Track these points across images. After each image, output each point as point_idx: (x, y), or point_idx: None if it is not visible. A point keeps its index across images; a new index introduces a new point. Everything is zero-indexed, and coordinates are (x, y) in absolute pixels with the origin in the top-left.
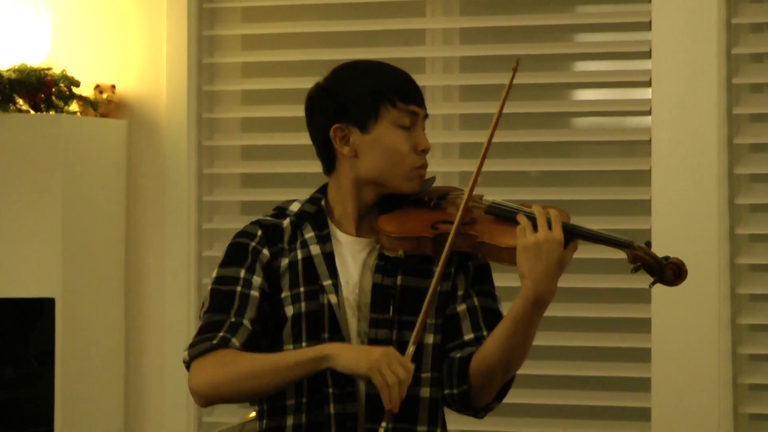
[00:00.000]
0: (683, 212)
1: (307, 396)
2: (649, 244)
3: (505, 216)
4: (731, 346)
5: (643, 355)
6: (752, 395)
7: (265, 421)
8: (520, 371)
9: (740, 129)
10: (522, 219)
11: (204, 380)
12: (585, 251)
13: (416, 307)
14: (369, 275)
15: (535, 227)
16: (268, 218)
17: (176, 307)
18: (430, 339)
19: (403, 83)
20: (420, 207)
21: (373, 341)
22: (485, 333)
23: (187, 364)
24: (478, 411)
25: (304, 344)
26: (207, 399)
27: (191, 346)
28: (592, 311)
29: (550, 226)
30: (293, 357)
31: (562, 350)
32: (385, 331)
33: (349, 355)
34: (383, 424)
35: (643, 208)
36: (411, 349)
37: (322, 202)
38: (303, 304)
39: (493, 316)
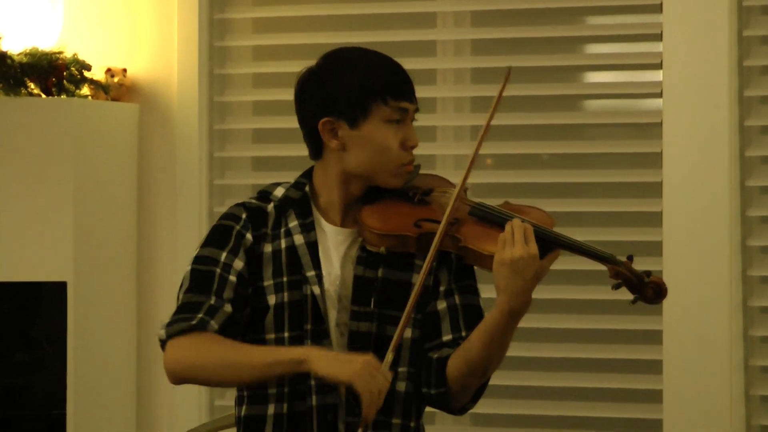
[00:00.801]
0: (694, 194)
1: (289, 386)
2: (631, 258)
3: (488, 219)
4: (743, 328)
5: (655, 338)
6: (764, 377)
7: (244, 407)
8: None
9: (751, 111)
10: (500, 236)
11: (180, 360)
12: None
13: (398, 300)
14: (351, 267)
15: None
16: (253, 201)
17: None
18: (408, 333)
19: (395, 79)
20: (404, 201)
21: (353, 334)
22: (464, 334)
23: (163, 342)
24: (454, 411)
25: (286, 334)
26: (180, 379)
27: (169, 324)
28: (605, 294)
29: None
30: (273, 355)
31: (578, 333)
32: (366, 324)
33: (330, 361)
34: (359, 430)
35: (655, 190)
36: (390, 356)
37: (307, 188)
38: (286, 294)
39: (473, 314)
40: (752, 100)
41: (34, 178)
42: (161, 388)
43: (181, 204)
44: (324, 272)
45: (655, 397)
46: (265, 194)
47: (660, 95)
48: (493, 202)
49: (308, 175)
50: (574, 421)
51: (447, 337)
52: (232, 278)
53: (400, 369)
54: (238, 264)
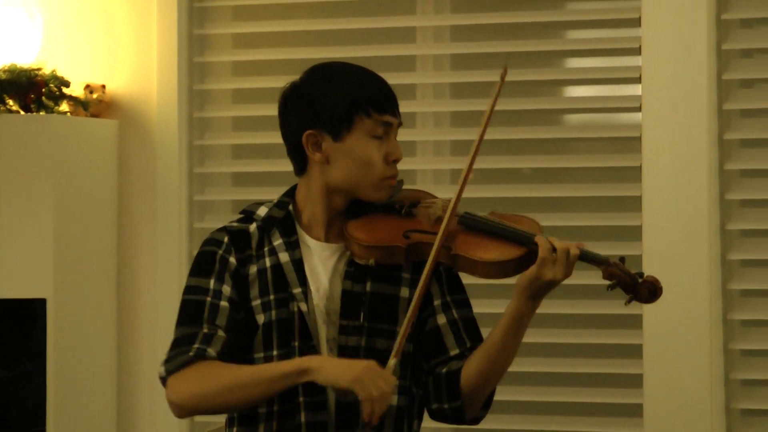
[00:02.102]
0: (674, 208)
1: (278, 404)
2: (623, 259)
3: (478, 228)
4: (723, 341)
5: (635, 352)
6: (744, 390)
7: (235, 429)
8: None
9: (731, 125)
10: (545, 252)
11: (185, 393)
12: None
13: (386, 313)
14: (338, 281)
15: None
16: (234, 224)
17: (168, 307)
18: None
19: (379, 93)
20: (390, 214)
21: (342, 348)
22: (469, 345)
23: (164, 380)
24: (468, 422)
25: (274, 353)
26: (187, 411)
27: (167, 361)
28: (586, 308)
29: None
30: (275, 370)
31: (556, 347)
32: (354, 338)
33: (332, 368)
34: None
35: (635, 204)
36: (393, 361)
37: (290, 207)
38: (273, 312)
39: (472, 326)
40: (731, 114)
41: (14, 195)
42: (142, 404)
43: (161, 219)
44: (312, 288)
45: (636, 411)
46: (248, 214)
47: (639, 109)
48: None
49: (291, 193)
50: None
51: (454, 352)
52: (224, 304)
53: None
54: (226, 289)
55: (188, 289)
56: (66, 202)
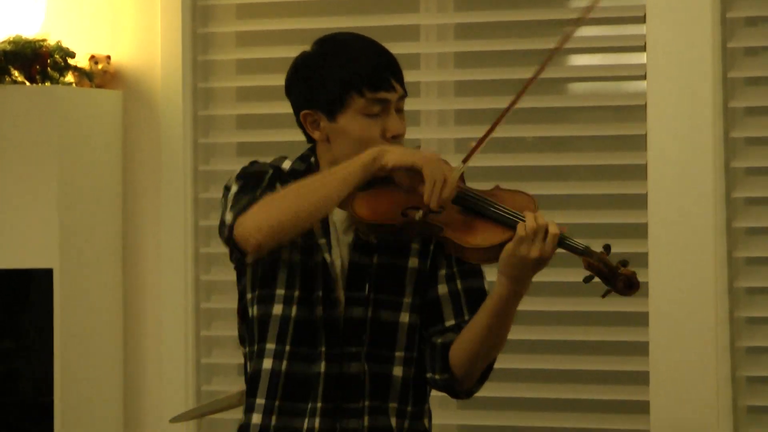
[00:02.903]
0: (679, 176)
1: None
2: (608, 248)
3: (471, 209)
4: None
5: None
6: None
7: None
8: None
9: (735, 93)
10: (521, 230)
11: (257, 222)
12: None
13: (392, 285)
14: (347, 251)
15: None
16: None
17: (173, 276)
18: (406, 318)
19: (373, 70)
20: (393, 189)
21: (348, 320)
22: (467, 318)
23: (231, 228)
24: (459, 395)
25: (296, 293)
26: (264, 239)
27: (231, 209)
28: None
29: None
30: (344, 169)
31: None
32: (360, 309)
33: (400, 150)
34: (419, 212)
35: (640, 172)
36: (462, 166)
37: (312, 159)
38: (298, 255)
39: (477, 297)
40: (736, 82)
41: (19, 166)
42: (148, 374)
43: (166, 190)
44: (333, 242)
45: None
46: (277, 163)
47: (644, 77)
48: (480, 185)
49: (313, 149)
50: (564, 403)
51: (450, 323)
52: None
53: (397, 354)
54: None
55: (240, 189)
56: (71, 173)
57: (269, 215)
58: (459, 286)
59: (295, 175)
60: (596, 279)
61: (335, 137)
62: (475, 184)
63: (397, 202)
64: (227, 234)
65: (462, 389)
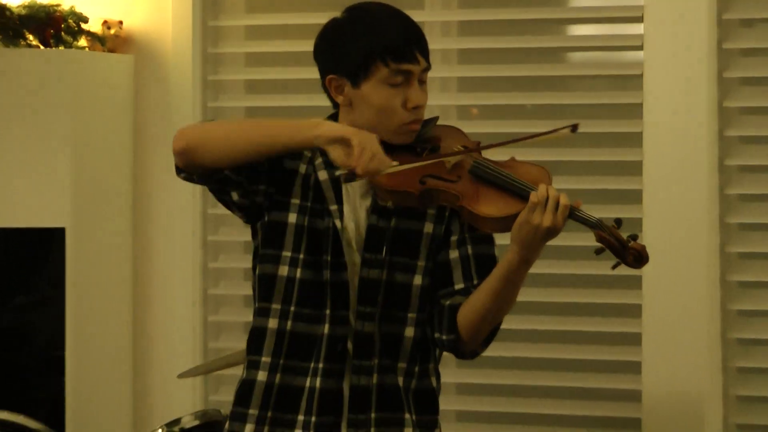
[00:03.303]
0: (674, 144)
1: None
2: (619, 222)
3: (487, 179)
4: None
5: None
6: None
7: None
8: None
9: (730, 63)
10: (533, 199)
11: (190, 133)
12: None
13: (408, 248)
14: (365, 215)
15: (543, 208)
16: None
17: (182, 235)
18: (419, 281)
19: (399, 41)
20: (413, 156)
21: (364, 281)
22: (476, 282)
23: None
24: (465, 356)
25: (301, 255)
26: (188, 149)
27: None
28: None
29: (556, 210)
30: (285, 122)
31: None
32: (376, 271)
33: (337, 125)
34: (344, 172)
35: (636, 140)
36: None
37: None
38: (307, 219)
39: (486, 263)
40: (731, 53)
41: (33, 127)
42: (157, 330)
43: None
44: (346, 209)
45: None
46: None
47: (641, 48)
48: (488, 152)
49: (335, 116)
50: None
51: (459, 286)
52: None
53: (410, 315)
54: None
55: None
56: (83, 134)
57: (204, 130)
58: (470, 251)
59: None
60: (606, 251)
61: (358, 103)
62: (489, 154)
63: (416, 170)
64: (173, 146)
65: (467, 350)
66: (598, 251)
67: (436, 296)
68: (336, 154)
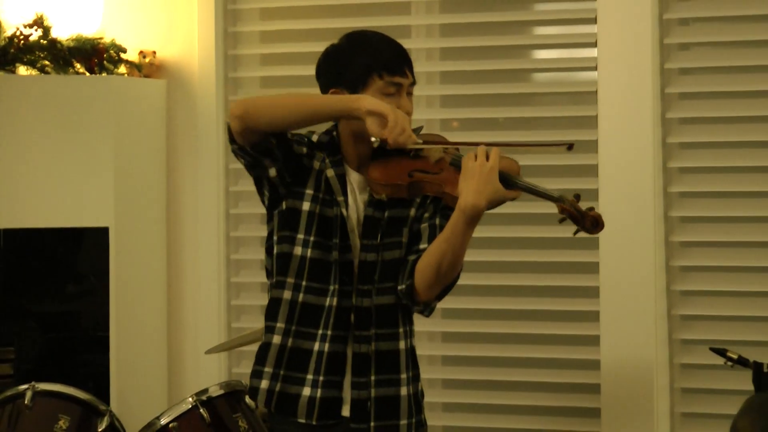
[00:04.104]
0: (624, 150)
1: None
2: (578, 197)
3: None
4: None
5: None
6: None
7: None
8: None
9: (671, 80)
10: (473, 151)
11: (248, 100)
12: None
13: (396, 231)
14: (362, 206)
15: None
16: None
17: (209, 232)
18: (397, 255)
19: (392, 58)
20: (402, 156)
21: (362, 263)
22: None
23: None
24: (420, 306)
25: (312, 238)
26: (246, 112)
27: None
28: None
29: (488, 159)
30: (331, 98)
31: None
32: (373, 255)
33: (376, 101)
34: (376, 140)
35: (592, 147)
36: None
37: (334, 133)
38: (319, 207)
39: None
40: (671, 72)
41: (81, 142)
42: (188, 313)
43: (203, 162)
44: (350, 200)
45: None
46: (308, 135)
47: (595, 68)
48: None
49: (334, 128)
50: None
51: (424, 246)
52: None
53: (388, 284)
54: (299, 148)
55: None
56: (124, 147)
57: (261, 98)
58: (437, 222)
59: (320, 145)
60: (568, 221)
61: None
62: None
63: (405, 166)
64: (228, 122)
65: (421, 299)
66: (561, 221)
67: (405, 257)
68: (371, 123)
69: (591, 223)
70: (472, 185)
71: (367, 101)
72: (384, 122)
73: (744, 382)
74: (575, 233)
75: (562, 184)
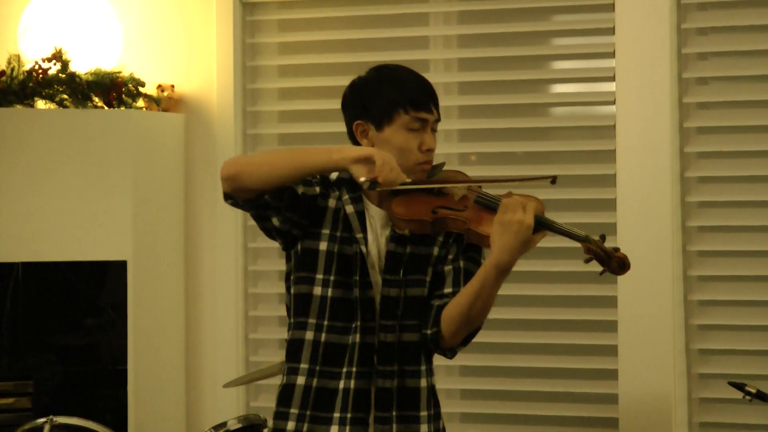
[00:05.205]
0: (642, 185)
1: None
2: (603, 237)
3: (490, 206)
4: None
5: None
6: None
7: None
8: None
9: (689, 115)
10: (504, 202)
11: (234, 162)
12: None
13: (420, 268)
14: (385, 242)
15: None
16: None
17: (227, 266)
18: (420, 293)
19: (417, 94)
20: (425, 193)
21: (385, 298)
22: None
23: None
24: (446, 352)
25: (332, 277)
26: (235, 175)
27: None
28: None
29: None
30: (314, 149)
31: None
32: (395, 290)
33: (358, 148)
34: (366, 181)
35: (610, 181)
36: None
37: None
38: (337, 246)
39: (474, 275)
40: (690, 106)
41: (100, 175)
42: (206, 347)
43: (221, 196)
44: (370, 237)
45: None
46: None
47: (613, 103)
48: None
49: None
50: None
51: (448, 290)
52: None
53: (411, 322)
54: (313, 189)
55: None
56: (143, 181)
57: (248, 158)
58: (461, 265)
59: (339, 182)
60: (594, 261)
61: (380, 145)
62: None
63: (429, 203)
64: (221, 176)
65: (446, 346)
66: (587, 260)
67: (430, 300)
68: (358, 170)
69: (618, 264)
70: (508, 242)
71: (348, 150)
72: (371, 165)
73: (763, 416)
74: (601, 273)
75: (581, 218)
